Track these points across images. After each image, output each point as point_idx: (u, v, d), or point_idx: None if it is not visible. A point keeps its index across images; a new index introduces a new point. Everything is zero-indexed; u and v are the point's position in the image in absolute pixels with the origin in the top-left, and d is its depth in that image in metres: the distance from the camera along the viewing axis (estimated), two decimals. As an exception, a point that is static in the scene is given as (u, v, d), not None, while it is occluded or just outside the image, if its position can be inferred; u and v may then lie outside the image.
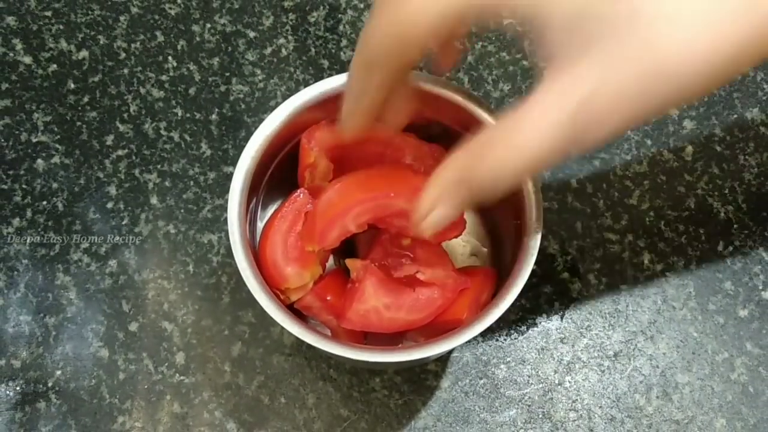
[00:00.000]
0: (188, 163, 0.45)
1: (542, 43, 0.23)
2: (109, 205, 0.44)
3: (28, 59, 0.47)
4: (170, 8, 0.48)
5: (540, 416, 0.40)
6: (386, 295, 0.32)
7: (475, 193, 0.24)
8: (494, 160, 0.23)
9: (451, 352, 0.41)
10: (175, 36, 0.48)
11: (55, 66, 0.47)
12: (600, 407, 0.41)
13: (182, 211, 0.44)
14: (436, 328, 0.33)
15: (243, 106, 0.46)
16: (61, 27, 0.48)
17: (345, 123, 0.29)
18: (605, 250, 0.43)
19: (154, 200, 0.44)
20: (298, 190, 0.34)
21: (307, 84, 0.45)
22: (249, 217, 0.34)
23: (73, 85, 0.46)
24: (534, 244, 0.31)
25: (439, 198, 0.25)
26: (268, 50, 0.48)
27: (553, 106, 0.22)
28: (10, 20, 0.48)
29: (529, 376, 0.41)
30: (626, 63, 0.21)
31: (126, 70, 0.47)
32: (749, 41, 0.21)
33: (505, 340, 0.42)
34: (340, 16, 0.49)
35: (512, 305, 0.30)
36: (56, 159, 0.45)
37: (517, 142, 0.23)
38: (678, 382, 0.41)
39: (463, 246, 0.40)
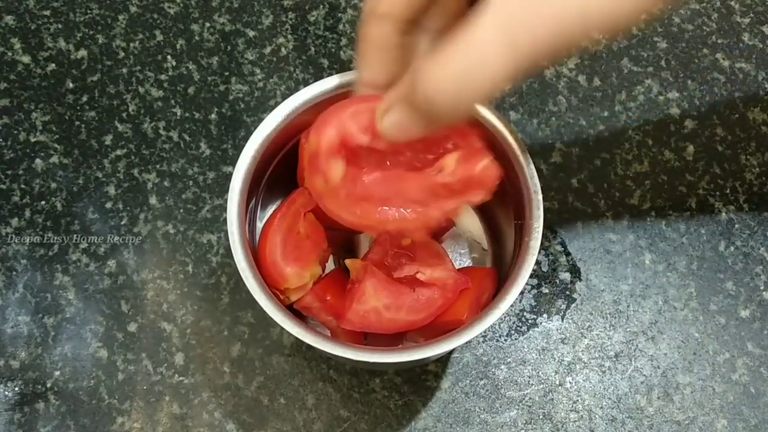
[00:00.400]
0: (187, 163, 0.45)
1: None
2: (108, 205, 0.44)
3: (26, 58, 0.47)
4: (169, 7, 0.48)
5: (541, 417, 0.40)
6: (386, 295, 0.32)
7: (424, 107, 0.24)
8: (437, 81, 0.23)
9: (451, 352, 0.41)
10: (174, 35, 0.48)
11: (53, 65, 0.47)
12: (601, 408, 0.40)
13: (181, 211, 0.44)
14: (437, 328, 0.33)
15: (242, 106, 0.46)
16: (60, 26, 0.48)
17: (360, 74, 0.29)
18: (606, 250, 0.43)
19: (153, 200, 0.44)
20: (298, 190, 0.34)
21: (306, 83, 0.45)
22: (248, 216, 0.33)
23: (71, 85, 0.46)
24: (535, 244, 0.31)
25: (392, 102, 0.26)
26: (268, 49, 0.47)
27: (492, 28, 0.22)
28: (9, 19, 0.48)
29: (529, 377, 0.41)
30: None
31: (125, 70, 0.47)
32: None
33: (505, 340, 0.41)
34: (339, 15, 0.48)
35: (513, 305, 0.30)
36: (55, 159, 0.45)
37: (462, 64, 0.23)
38: (679, 383, 0.41)
39: (463, 246, 0.40)
